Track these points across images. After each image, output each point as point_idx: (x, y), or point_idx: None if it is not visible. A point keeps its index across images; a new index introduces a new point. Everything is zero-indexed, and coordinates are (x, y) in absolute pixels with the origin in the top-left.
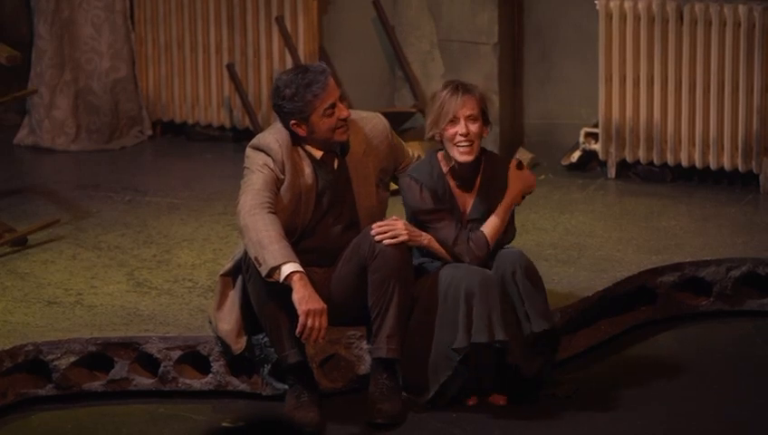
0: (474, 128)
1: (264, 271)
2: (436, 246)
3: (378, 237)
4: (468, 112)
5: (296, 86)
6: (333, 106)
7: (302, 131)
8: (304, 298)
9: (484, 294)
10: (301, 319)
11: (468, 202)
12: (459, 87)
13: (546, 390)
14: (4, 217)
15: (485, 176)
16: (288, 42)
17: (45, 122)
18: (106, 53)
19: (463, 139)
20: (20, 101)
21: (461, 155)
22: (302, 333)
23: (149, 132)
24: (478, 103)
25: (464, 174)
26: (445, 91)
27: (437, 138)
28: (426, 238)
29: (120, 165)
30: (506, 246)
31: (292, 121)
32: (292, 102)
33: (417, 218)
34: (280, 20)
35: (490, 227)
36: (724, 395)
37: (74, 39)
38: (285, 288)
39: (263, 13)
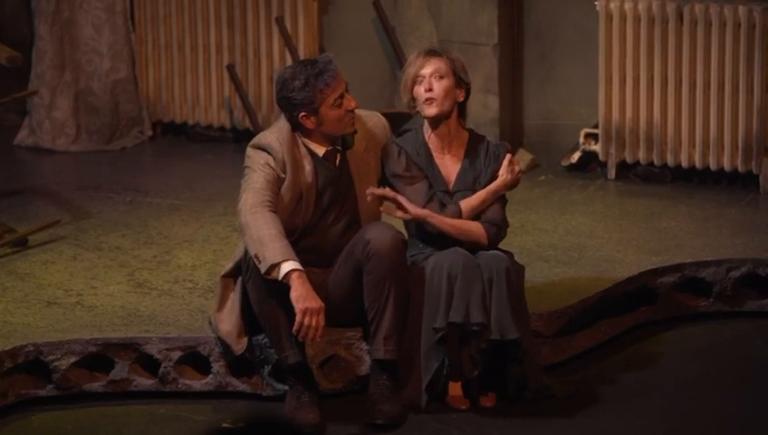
0: (438, 84)
1: (263, 268)
2: (437, 221)
3: (384, 210)
4: (432, 69)
5: (306, 76)
6: (342, 96)
7: (310, 124)
8: (302, 296)
9: (465, 277)
10: (298, 317)
11: (452, 173)
12: (426, 49)
13: (527, 395)
14: (4, 218)
15: (470, 150)
16: (288, 42)
17: (46, 123)
18: (106, 53)
19: (428, 93)
20: (20, 101)
21: (426, 109)
22: (298, 331)
23: (150, 133)
24: (446, 64)
25: (444, 143)
26: (411, 57)
27: (413, 105)
28: (427, 213)
29: (121, 166)
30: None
31: (302, 113)
32: (303, 92)
33: (390, 182)
34: (280, 20)
35: (468, 203)
36: (725, 395)
37: (75, 40)
38: (284, 287)
39: (263, 13)
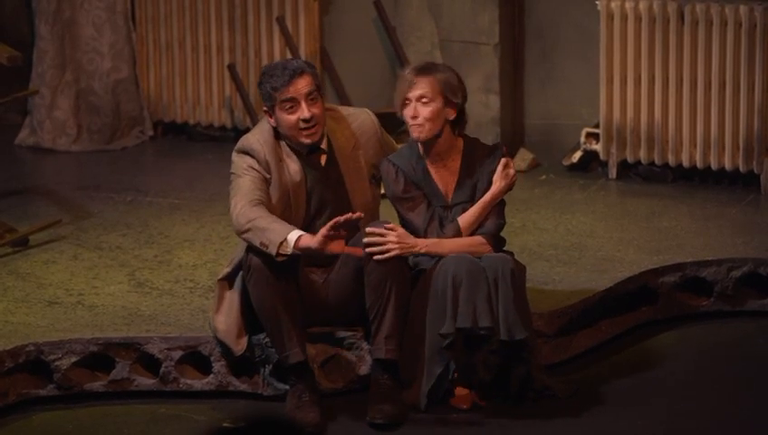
0: (423, 110)
1: (273, 250)
2: (434, 250)
3: (368, 250)
4: (418, 93)
5: (266, 75)
6: (292, 101)
7: (272, 121)
8: (316, 236)
9: (470, 282)
10: (330, 225)
11: (450, 186)
12: (414, 69)
13: (533, 395)
14: (5, 218)
15: (466, 159)
16: (289, 42)
17: (47, 123)
18: (107, 53)
19: (414, 120)
20: (21, 101)
21: (414, 134)
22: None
23: (151, 133)
24: (432, 85)
25: (439, 156)
26: (404, 72)
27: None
28: (420, 246)
29: (122, 165)
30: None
31: (264, 107)
32: (260, 88)
33: (393, 203)
34: (281, 20)
35: (465, 219)
36: (725, 395)
37: (75, 39)
38: (289, 279)
39: (264, 13)
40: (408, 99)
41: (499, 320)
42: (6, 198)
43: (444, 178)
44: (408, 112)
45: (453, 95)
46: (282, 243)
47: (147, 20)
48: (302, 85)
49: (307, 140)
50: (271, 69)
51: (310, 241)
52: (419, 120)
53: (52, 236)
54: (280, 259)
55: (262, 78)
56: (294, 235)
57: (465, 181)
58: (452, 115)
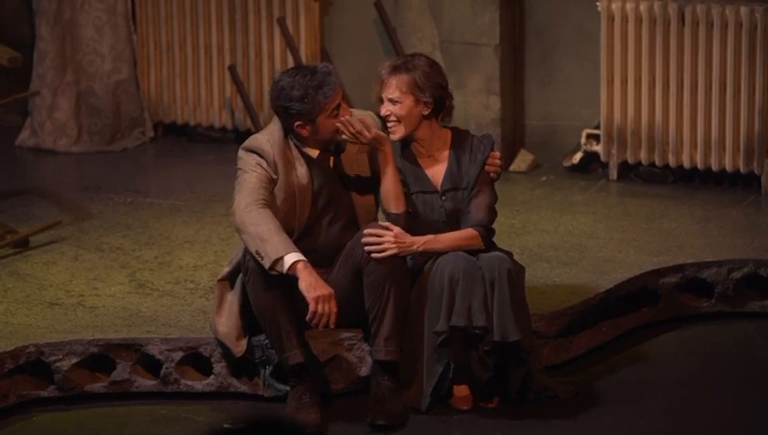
0: (395, 109)
1: (267, 264)
2: (432, 246)
3: (366, 249)
4: (389, 94)
5: (305, 88)
6: (339, 107)
7: (305, 132)
8: (312, 285)
9: (466, 281)
10: (311, 306)
11: (439, 174)
12: (386, 67)
13: (532, 396)
14: (5, 219)
15: (454, 149)
16: (290, 43)
17: (47, 124)
18: (108, 54)
19: (388, 121)
20: (22, 102)
21: (390, 133)
22: (312, 319)
23: (151, 134)
24: (401, 84)
25: (425, 147)
26: (378, 71)
27: None
28: (418, 244)
29: (122, 167)
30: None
31: (298, 123)
32: (302, 104)
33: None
34: (281, 21)
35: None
36: (726, 396)
37: (76, 41)
38: (286, 284)
39: (264, 14)
40: (381, 98)
41: (493, 321)
42: (7, 199)
43: (433, 168)
44: (382, 111)
45: (421, 93)
46: (278, 260)
47: (147, 21)
48: (339, 86)
49: (342, 136)
50: (310, 79)
51: (304, 280)
52: (392, 120)
53: (53, 237)
54: (273, 273)
55: (308, 91)
56: (291, 258)
57: (454, 169)
58: (426, 111)
